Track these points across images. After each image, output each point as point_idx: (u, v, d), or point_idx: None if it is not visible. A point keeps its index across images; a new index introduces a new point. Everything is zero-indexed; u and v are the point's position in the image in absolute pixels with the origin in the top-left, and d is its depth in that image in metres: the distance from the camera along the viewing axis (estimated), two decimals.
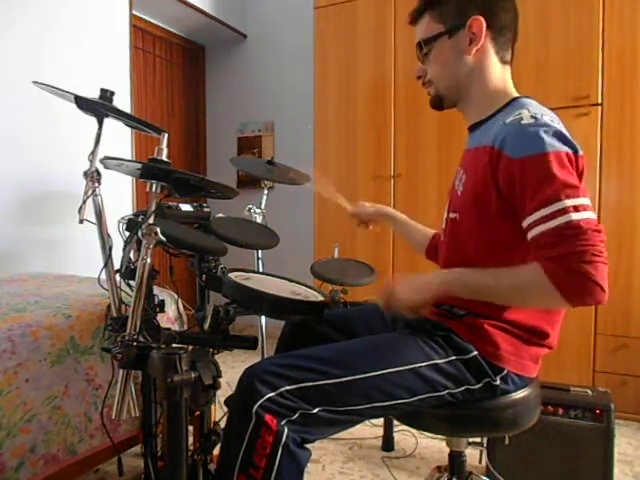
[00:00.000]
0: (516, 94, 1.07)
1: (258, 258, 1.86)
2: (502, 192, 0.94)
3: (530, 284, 0.87)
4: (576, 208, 0.85)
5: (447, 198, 1.17)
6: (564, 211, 0.84)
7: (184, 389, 0.89)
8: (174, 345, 1.08)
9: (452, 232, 1.10)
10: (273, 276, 1.37)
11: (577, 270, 0.81)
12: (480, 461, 1.77)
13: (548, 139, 0.89)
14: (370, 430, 2.12)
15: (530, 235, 0.89)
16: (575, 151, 0.91)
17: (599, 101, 2.22)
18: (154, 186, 1.04)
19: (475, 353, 0.97)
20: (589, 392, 1.65)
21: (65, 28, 2.42)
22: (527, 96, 1.05)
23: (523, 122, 0.92)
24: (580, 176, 0.91)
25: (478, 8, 1.02)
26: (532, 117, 0.92)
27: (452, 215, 1.09)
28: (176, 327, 1.61)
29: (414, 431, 2.00)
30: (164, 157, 1.04)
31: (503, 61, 1.07)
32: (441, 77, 1.09)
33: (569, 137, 0.92)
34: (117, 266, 1.28)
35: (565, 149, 0.89)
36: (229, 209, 1.79)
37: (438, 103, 1.13)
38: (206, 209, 1.60)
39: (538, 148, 0.88)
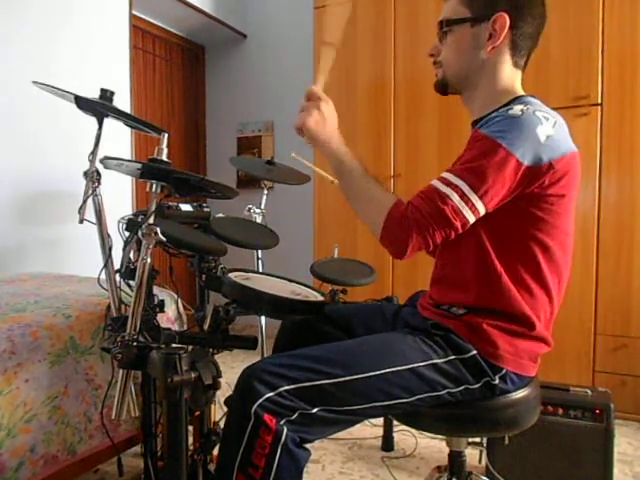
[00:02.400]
0: (522, 93, 1.07)
1: (258, 258, 1.86)
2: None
3: (376, 201, 0.97)
4: (463, 196, 0.89)
5: None
6: (455, 188, 0.89)
7: (184, 389, 0.89)
8: (174, 345, 1.08)
9: None
10: (273, 276, 1.37)
11: (405, 223, 0.90)
12: (480, 461, 1.77)
13: (513, 137, 0.89)
14: (370, 430, 2.12)
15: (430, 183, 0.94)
16: (537, 162, 0.90)
17: (599, 101, 2.22)
18: (154, 186, 1.04)
19: (474, 353, 0.97)
20: (589, 392, 1.65)
21: (65, 28, 2.43)
22: (532, 95, 1.05)
23: (510, 112, 0.93)
24: (549, 184, 0.92)
25: (508, 5, 1.00)
26: (520, 111, 0.92)
27: None
28: (176, 327, 1.61)
29: (414, 431, 2.00)
30: (164, 157, 1.04)
31: (516, 65, 1.06)
32: (452, 63, 1.08)
33: (543, 143, 0.90)
34: (117, 266, 1.29)
35: (519, 158, 0.89)
36: (229, 209, 1.79)
37: (442, 87, 1.12)
38: (206, 209, 1.60)
39: (499, 137, 0.90)
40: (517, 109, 0.93)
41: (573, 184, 0.98)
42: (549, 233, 0.97)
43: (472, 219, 0.91)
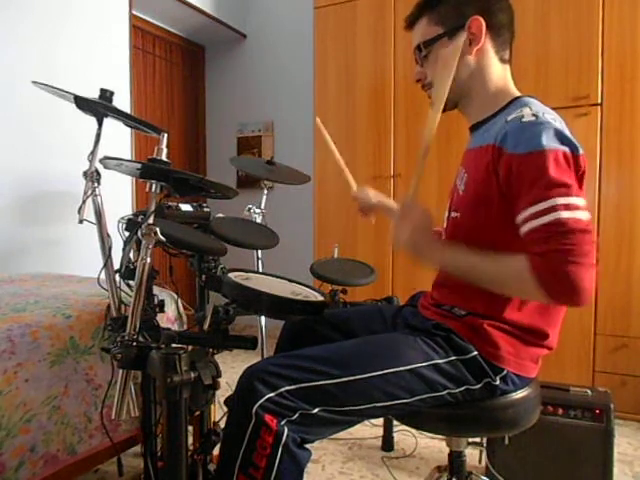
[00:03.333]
0: (518, 93, 1.07)
1: (258, 258, 1.86)
2: (501, 188, 0.94)
3: (514, 275, 0.89)
4: (567, 207, 0.85)
5: (448, 197, 1.17)
6: (554, 209, 0.85)
7: (184, 389, 0.89)
8: (174, 345, 1.08)
9: (453, 231, 1.10)
10: (273, 276, 1.37)
11: (560, 270, 0.82)
12: (480, 461, 1.77)
13: (547, 137, 0.89)
14: (370, 430, 2.12)
15: (522, 231, 0.89)
16: (575, 151, 0.91)
17: (599, 101, 2.22)
18: (154, 186, 1.04)
19: (475, 353, 0.97)
20: (589, 392, 1.65)
21: (65, 28, 2.42)
22: (529, 95, 1.05)
23: (524, 120, 0.92)
24: (581, 176, 0.91)
25: (476, 9, 1.02)
26: (533, 115, 0.92)
27: (453, 214, 1.10)
28: (176, 327, 1.61)
29: (414, 431, 2.00)
30: (164, 157, 1.04)
31: (503, 60, 1.07)
32: None
33: (569, 136, 0.92)
34: (117, 266, 1.28)
35: (563, 148, 0.89)
36: (229, 209, 1.79)
37: None
38: (206, 209, 1.60)
39: (536, 146, 0.89)
40: (528, 114, 0.93)
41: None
42: None
43: (586, 215, 0.86)
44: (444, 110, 1.12)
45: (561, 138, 0.90)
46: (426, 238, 1.00)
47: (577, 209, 0.85)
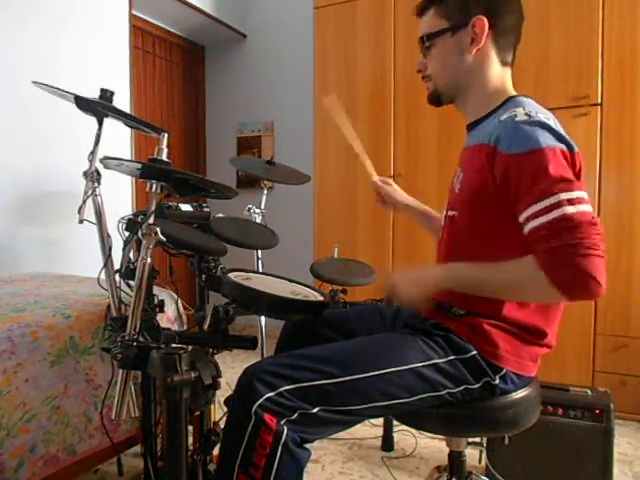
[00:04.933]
0: (513, 93, 1.08)
1: (258, 258, 1.86)
2: (499, 188, 0.94)
3: (524, 278, 0.88)
4: (570, 201, 0.85)
5: (447, 197, 1.18)
6: (558, 205, 0.85)
7: (184, 389, 0.89)
8: (174, 345, 1.08)
9: (451, 230, 1.10)
10: (273, 276, 1.37)
11: (572, 263, 0.81)
12: (480, 461, 1.77)
13: (542, 136, 0.89)
14: (370, 430, 2.12)
15: (526, 229, 0.89)
16: (570, 149, 0.91)
17: (599, 101, 2.22)
18: (154, 186, 1.04)
19: (474, 353, 0.97)
20: (589, 392, 1.65)
21: (65, 28, 2.42)
22: (524, 95, 1.05)
23: (517, 119, 0.93)
24: (578, 173, 0.91)
25: (483, 8, 1.02)
26: (526, 114, 0.93)
27: (451, 213, 1.10)
28: (176, 327, 1.61)
29: (414, 431, 2.00)
30: (164, 157, 1.04)
31: (504, 63, 1.07)
32: (440, 74, 1.10)
33: (564, 135, 0.92)
34: (117, 266, 1.28)
35: (560, 146, 0.90)
36: (229, 209, 1.79)
37: (436, 99, 1.13)
38: (206, 209, 1.60)
39: (532, 144, 0.89)
40: (521, 113, 0.93)
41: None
42: None
43: (589, 207, 0.86)
44: (441, 104, 1.14)
45: (556, 136, 0.91)
46: (415, 275, 1.02)
47: (580, 203, 0.85)
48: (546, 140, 0.89)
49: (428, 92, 1.14)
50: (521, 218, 0.90)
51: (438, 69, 1.10)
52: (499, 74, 1.07)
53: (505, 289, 0.93)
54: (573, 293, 0.84)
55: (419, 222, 1.46)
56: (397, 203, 1.43)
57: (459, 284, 0.98)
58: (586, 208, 0.85)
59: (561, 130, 0.93)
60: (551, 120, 0.94)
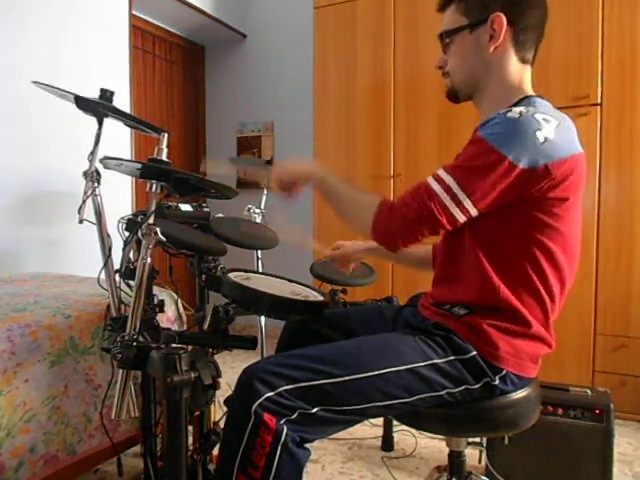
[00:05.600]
0: (531, 92, 1.06)
1: (258, 258, 1.86)
2: None
3: (365, 203, 1.01)
4: (449, 190, 0.90)
5: None
6: (442, 182, 0.91)
7: (184, 389, 0.89)
8: (174, 345, 1.08)
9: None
10: (273, 276, 1.37)
11: (391, 218, 0.95)
12: (480, 461, 1.77)
13: (508, 139, 0.89)
14: (370, 430, 2.12)
15: None
16: (534, 164, 0.89)
17: (599, 101, 2.23)
18: (154, 186, 1.04)
19: (474, 353, 0.97)
20: (588, 392, 1.65)
21: (65, 29, 2.42)
22: (539, 95, 1.04)
23: (508, 115, 0.92)
24: (548, 187, 0.90)
25: (502, 4, 1.01)
26: (519, 113, 0.91)
27: None
28: (176, 327, 1.61)
29: (414, 431, 2.00)
30: (164, 157, 1.04)
31: (524, 60, 1.05)
32: (458, 70, 1.09)
33: (541, 146, 0.89)
34: (117, 266, 1.28)
35: (514, 161, 0.88)
36: (229, 209, 1.79)
37: (453, 95, 1.13)
38: (206, 209, 1.60)
39: (493, 140, 0.90)
40: (516, 111, 0.92)
41: (576, 187, 0.97)
42: (552, 237, 0.96)
43: (461, 218, 0.91)
44: (459, 101, 1.14)
45: (529, 148, 0.88)
46: (298, 159, 1.13)
47: (456, 205, 0.90)
48: (507, 146, 0.88)
49: (446, 88, 1.13)
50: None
51: (456, 66, 1.09)
52: (518, 72, 1.05)
53: (347, 208, 1.07)
54: (375, 235, 0.98)
55: (397, 261, 1.52)
56: (351, 255, 1.47)
57: (322, 185, 1.08)
58: (455, 212, 0.91)
59: (547, 140, 0.89)
60: (550, 124, 0.91)
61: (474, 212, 0.92)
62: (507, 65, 1.04)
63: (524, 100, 1.03)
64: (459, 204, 0.90)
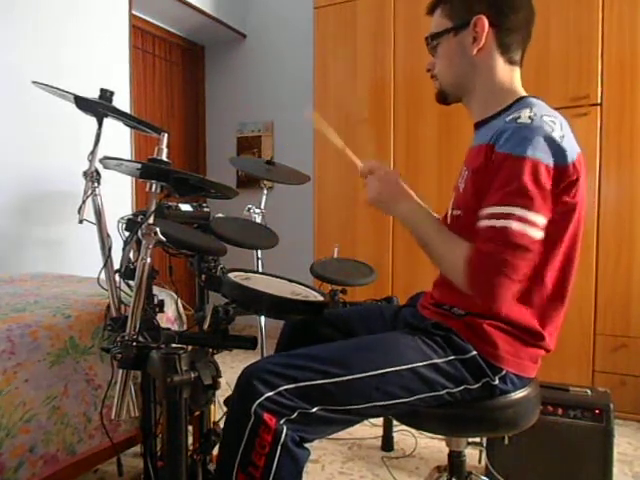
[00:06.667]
0: (524, 93, 1.07)
1: (258, 258, 1.86)
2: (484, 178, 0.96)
3: (451, 258, 0.96)
4: (521, 219, 0.87)
5: (451, 195, 1.18)
6: (508, 216, 0.88)
7: (184, 389, 0.89)
8: (173, 345, 1.08)
9: (455, 229, 1.10)
10: (273, 276, 1.37)
11: (490, 274, 0.89)
12: (480, 461, 1.77)
13: (533, 145, 0.89)
14: (370, 430, 2.12)
15: (479, 223, 0.92)
16: (562, 161, 0.90)
17: (598, 101, 2.22)
18: (154, 186, 1.04)
19: (474, 353, 0.97)
20: (588, 392, 1.65)
21: (65, 28, 2.43)
22: (535, 96, 1.05)
23: (519, 121, 0.93)
24: (569, 185, 0.91)
25: (486, 7, 1.02)
26: (529, 118, 0.92)
27: (455, 212, 1.10)
28: (175, 327, 1.61)
29: (414, 431, 2.00)
30: (164, 157, 1.04)
31: (510, 61, 1.06)
32: (445, 73, 1.10)
33: (562, 145, 0.91)
34: (117, 266, 1.28)
35: (546, 162, 0.89)
36: (229, 209, 1.79)
37: (443, 98, 1.14)
38: (206, 209, 1.60)
39: (520, 151, 0.89)
40: (525, 116, 0.93)
41: (584, 188, 0.97)
42: (555, 242, 0.96)
43: (539, 234, 0.89)
44: (448, 103, 1.15)
45: (552, 146, 0.90)
46: (392, 190, 1.07)
47: (530, 225, 0.88)
48: (535, 152, 0.89)
49: (435, 91, 1.14)
50: (480, 212, 0.93)
51: (443, 68, 1.10)
52: (506, 73, 1.06)
53: (434, 254, 1.01)
54: (476, 295, 0.92)
55: None
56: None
57: (413, 230, 1.04)
58: (531, 232, 0.88)
59: (564, 139, 0.91)
60: (556, 125, 0.93)
61: (544, 222, 0.90)
62: (493, 67, 1.05)
63: (520, 101, 1.03)
64: (532, 223, 0.88)
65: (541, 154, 0.89)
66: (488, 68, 1.05)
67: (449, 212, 1.15)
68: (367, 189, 1.08)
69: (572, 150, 0.92)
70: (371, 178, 1.08)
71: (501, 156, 0.92)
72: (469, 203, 1.03)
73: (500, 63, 1.05)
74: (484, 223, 0.91)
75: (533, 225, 0.88)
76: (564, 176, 0.91)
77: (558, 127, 0.93)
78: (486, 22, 1.01)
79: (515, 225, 0.87)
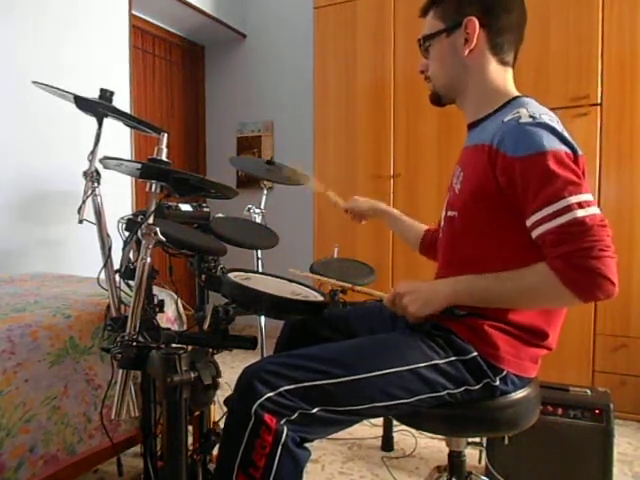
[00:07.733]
0: (517, 93, 1.07)
1: (258, 258, 1.86)
2: (501, 189, 0.94)
3: (538, 285, 0.89)
4: (580, 205, 0.85)
5: (445, 196, 1.18)
6: (569, 208, 0.85)
7: (184, 389, 0.89)
8: (173, 345, 1.08)
9: (450, 230, 1.10)
10: (273, 276, 1.37)
11: (586, 266, 0.83)
12: (480, 461, 1.77)
13: (546, 138, 0.89)
14: (370, 430, 2.12)
15: (535, 233, 0.89)
16: (574, 151, 0.91)
17: (598, 101, 2.22)
18: (154, 186, 1.04)
19: (475, 354, 0.97)
20: (588, 392, 1.65)
21: (65, 28, 2.42)
22: (527, 95, 1.05)
23: (521, 121, 0.92)
24: (582, 175, 0.91)
25: (477, 8, 1.02)
26: (530, 116, 0.93)
27: (450, 213, 1.10)
28: (175, 327, 1.61)
29: (414, 431, 2.00)
30: (164, 157, 1.04)
31: (503, 62, 1.07)
32: (438, 75, 1.11)
33: (568, 137, 0.92)
34: (117, 266, 1.28)
35: (564, 148, 0.90)
36: (229, 209, 1.79)
37: (436, 100, 1.15)
38: (206, 209, 1.60)
39: (537, 147, 0.89)
40: (525, 115, 0.93)
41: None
42: None
43: (597, 209, 0.87)
44: (442, 104, 1.15)
45: (560, 138, 0.91)
46: (424, 291, 0.99)
47: (589, 205, 0.86)
48: (551, 143, 0.89)
49: (429, 92, 1.15)
50: (529, 222, 0.90)
51: (436, 70, 1.11)
52: (498, 74, 1.06)
53: (520, 297, 0.93)
54: (588, 295, 0.86)
55: (392, 227, 1.50)
56: (364, 210, 1.51)
57: (472, 298, 0.96)
58: (595, 210, 0.86)
59: (565, 133, 0.93)
60: (554, 122, 0.94)
61: (592, 197, 0.88)
62: (486, 68, 1.06)
63: (513, 101, 1.03)
64: (589, 203, 0.86)
65: (556, 144, 0.89)
66: (480, 69, 1.06)
67: (443, 213, 1.15)
68: (408, 313, 0.99)
69: (577, 145, 0.93)
70: (401, 301, 1.00)
71: (520, 161, 0.90)
72: (465, 204, 1.03)
73: (492, 64, 1.06)
74: (546, 227, 0.87)
75: (591, 204, 0.86)
76: (578, 164, 0.91)
77: (557, 125, 0.93)
78: (477, 23, 1.02)
79: (579, 212, 0.85)
